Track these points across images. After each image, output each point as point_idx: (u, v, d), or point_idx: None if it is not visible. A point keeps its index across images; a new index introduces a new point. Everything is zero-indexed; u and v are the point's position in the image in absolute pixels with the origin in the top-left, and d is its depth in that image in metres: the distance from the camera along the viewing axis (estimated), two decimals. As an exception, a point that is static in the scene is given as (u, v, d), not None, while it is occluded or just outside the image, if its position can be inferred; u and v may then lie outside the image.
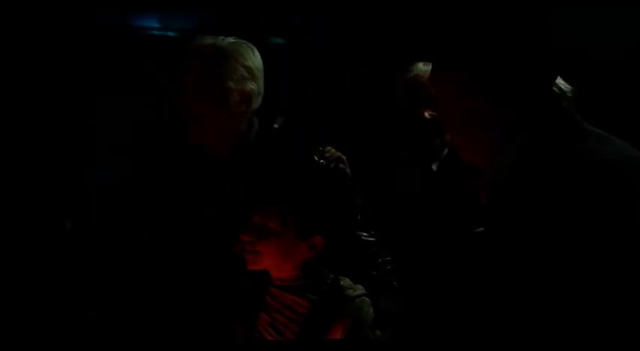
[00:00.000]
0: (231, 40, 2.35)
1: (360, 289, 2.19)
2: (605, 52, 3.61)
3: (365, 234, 2.38)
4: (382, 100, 2.79)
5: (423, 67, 2.64)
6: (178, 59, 2.35)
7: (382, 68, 3.99)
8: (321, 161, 2.38)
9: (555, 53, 1.52)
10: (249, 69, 2.33)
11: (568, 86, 1.93)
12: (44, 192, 3.22)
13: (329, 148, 2.43)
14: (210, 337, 2.30)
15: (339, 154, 2.43)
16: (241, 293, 2.25)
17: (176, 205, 2.39)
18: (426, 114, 2.57)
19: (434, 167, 2.65)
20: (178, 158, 2.47)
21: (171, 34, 3.91)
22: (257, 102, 2.37)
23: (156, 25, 4.03)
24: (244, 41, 2.37)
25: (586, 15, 3.55)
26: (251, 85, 2.34)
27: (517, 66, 1.47)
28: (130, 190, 2.58)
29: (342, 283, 2.18)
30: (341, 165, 2.41)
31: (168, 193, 2.42)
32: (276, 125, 2.45)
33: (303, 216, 2.15)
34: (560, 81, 1.87)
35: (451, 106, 1.54)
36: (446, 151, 2.63)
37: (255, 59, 2.35)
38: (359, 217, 2.41)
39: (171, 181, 2.43)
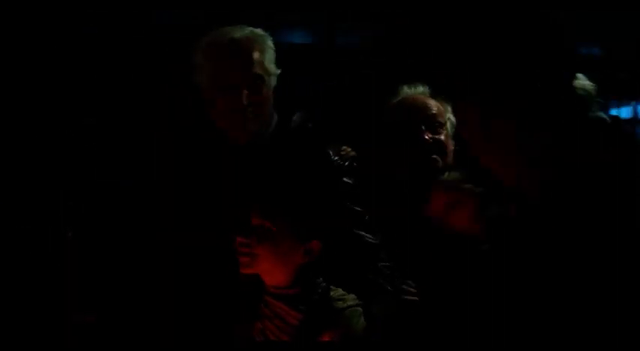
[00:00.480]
0: (254, 28, 2.37)
1: (351, 300, 2.14)
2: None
3: (369, 236, 2.36)
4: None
5: (409, 90, 2.62)
6: (211, 54, 2.32)
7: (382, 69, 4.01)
8: (336, 159, 2.36)
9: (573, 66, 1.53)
10: (274, 52, 2.36)
11: (592, 84, 1.92)
12: (45, 194, 3.21)
13: (344, 146, 2.41)
14: (209, 339, 2.29)
15: (354, 153, 2.41)
16: (241, 298, 2.22)
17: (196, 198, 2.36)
18: (427, 136, 2.51)
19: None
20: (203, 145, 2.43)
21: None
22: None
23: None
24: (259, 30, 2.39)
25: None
26: (275, 69, 2.37)
27: (539, 89, 1.48)
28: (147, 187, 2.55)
29: (332, 293, 2.13)
30: (355, 165, 2.40)
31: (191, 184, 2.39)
32: (311, 125, 2.41)
33: (303, 219, 2.10)
34: (584, 82, 1.87)
35: (476, 131, 1.54)
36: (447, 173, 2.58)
37: (271, 43, 2.38)
38: (365, 218, 2.38)
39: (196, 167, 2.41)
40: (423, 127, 2.46)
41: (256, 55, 2.32)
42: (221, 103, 2.31)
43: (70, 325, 2.74)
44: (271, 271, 2.11)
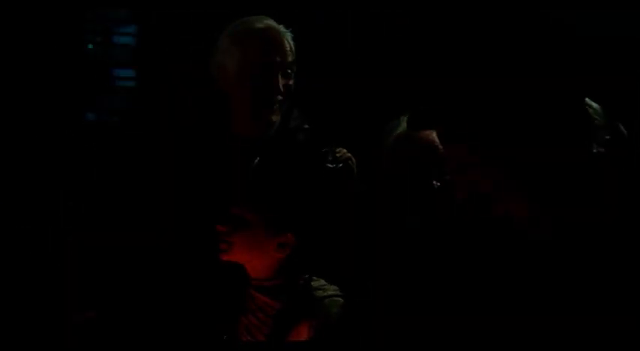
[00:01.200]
0: (268, 21, 2.36)
1: (332, 290, 2.17)
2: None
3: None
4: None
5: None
6: (236, 43, 2.32)
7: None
8: (331, 160, 2.36)
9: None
10: (292, 51, 2.35)
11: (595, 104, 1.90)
12: (45, 192, 3.22)
13: (340, 148, 2.41)
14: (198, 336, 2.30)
15: (349, 155, 2.40)
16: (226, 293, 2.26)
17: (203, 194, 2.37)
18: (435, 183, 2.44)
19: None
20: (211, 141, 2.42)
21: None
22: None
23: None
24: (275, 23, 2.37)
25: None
26: (293, 68, 2.36)
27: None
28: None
29: (313, 283, 2.16)
30: (350, 166, 2.40)
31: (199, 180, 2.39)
32: (307, 126, 2.41)
33: (276, 211, 2.14)
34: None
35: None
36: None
37: (292, 42, 2.37)
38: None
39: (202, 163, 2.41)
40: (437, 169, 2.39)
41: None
42: (246, 91, 2.32)
43: (70, 325, 2.75)
44: (250, 261, 2.14)
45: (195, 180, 2.39)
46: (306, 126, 2.41)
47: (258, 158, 2.28)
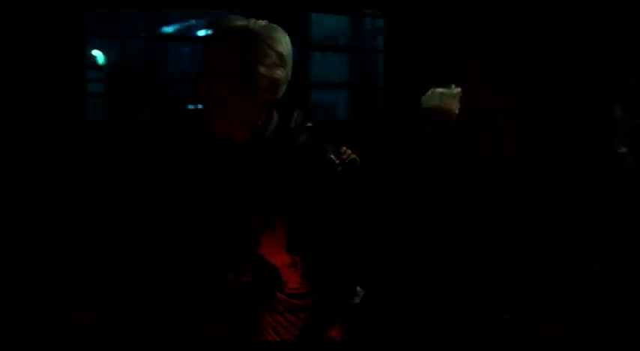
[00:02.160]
0: (263, 23, 2.27)
1: (359, 293, 2.22)
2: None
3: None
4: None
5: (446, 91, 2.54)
6: (209, 39, 2.28)
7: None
8: (337, 162, 2.34)
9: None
10: (280, 55, 2.25)
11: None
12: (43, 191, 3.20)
13: (344, 148, 2.39)
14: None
15: (354, 156, 2.39)
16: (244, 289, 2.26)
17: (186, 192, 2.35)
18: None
19: None
20: (194, 144, 2.39)
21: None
22: (283, 90, 2.30)
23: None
24: (276, 25, 2.29)
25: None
26: (280, 72, 2.26)
27: None
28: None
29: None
30: (355, 166, 2.39)
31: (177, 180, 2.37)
32: (310, 125, 2.37)
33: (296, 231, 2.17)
34: None
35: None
36: None
37: (286, 45, 2.28)
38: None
39: (180, 168, 2.38)
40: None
41: (240, 49, 2.25)
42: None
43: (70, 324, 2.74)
44: (276, 264, 2.19)
45: (184, 187, 2.37)
46: (309, 124, 2.37)
47: (256, 160, 2.27)
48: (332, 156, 2.34)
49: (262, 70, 2.24)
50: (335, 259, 2.22)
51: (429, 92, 2.63)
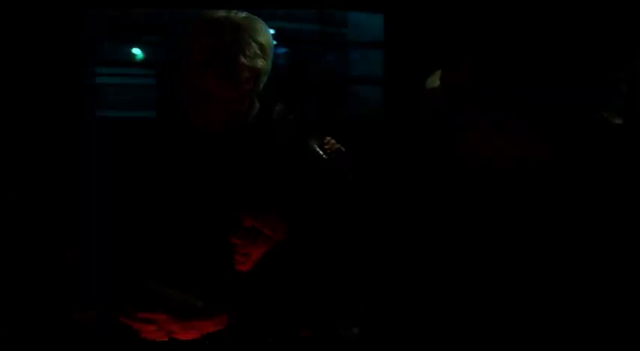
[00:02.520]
0: (243, 14, 2.28)
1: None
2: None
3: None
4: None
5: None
6: (190, 30, 2.28)
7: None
8: (320, 153, 2.30)
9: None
10: (261, 46, 2.26)
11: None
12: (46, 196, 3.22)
13: (328, 138, 2.35)
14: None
15: (338, 146, 2.35)
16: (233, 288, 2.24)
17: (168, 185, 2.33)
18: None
19: None
20: (171, 136, 2.38)
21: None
22: (263, 81, 2.30)
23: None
24: (256, 17, 2.30)
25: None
26: (261, 63, 2.26)
27: None
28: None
29: None
30: (341, 156, 2.34)
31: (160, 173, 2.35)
32: (291, 116, 2.35)
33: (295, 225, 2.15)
34: None
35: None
36: None
37: (267, 36, 2.29)
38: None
39: (163, 161, 2.37)
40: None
41: (217, 38, 2.26)
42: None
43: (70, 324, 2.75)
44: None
45: (163, 182, 2.35)
46: (291, 116, 2.35)
47: (236, 153, 2.26)
48: (316, 147, 2.30)
49: (244, 60, 2.24)
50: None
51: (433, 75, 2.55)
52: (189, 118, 2.27)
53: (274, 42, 2.36)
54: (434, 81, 2.48)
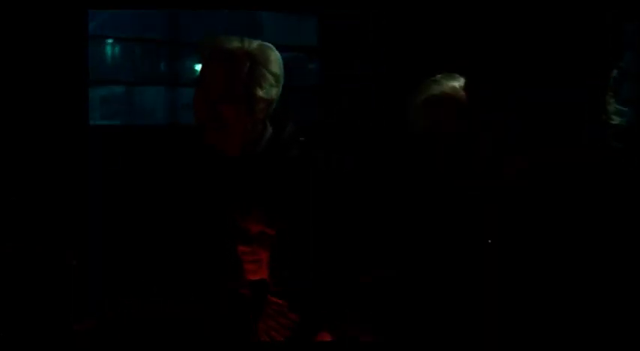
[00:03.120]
0: (256, 43, 2.32)
1: None
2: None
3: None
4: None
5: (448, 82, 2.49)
6: (204, 60, 2.32)
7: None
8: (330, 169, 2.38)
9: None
10: (275, 76, 2.30)
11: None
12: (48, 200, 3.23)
13: (337, 156, 2.43)
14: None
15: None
16: (239, 299, 2.32)
17: (184, 205, 2.40)
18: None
19: None
20: (189, 157, 2.44)
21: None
22: (274, 105, 2.36)
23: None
24: (269, 44, 2.34)
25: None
26: (275, 92, 2.32)
27: None
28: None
29: None
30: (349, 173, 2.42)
31: (176, 193, 2.42)
32: (302, 138, 2.40)
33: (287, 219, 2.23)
34: None
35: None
36: None
37: (280, 64, 2.33)
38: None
39: (180, 181, 2.44)
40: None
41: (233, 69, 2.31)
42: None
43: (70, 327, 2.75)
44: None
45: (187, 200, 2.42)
46: (302, 138, 2.40)
47: (251, 173, 2.32)
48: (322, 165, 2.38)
49: (260, 92, 2.29)
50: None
51: (428, 81, 2.52)
52: (208, 141, 2.33)
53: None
54: (428, 91, 2.45)
